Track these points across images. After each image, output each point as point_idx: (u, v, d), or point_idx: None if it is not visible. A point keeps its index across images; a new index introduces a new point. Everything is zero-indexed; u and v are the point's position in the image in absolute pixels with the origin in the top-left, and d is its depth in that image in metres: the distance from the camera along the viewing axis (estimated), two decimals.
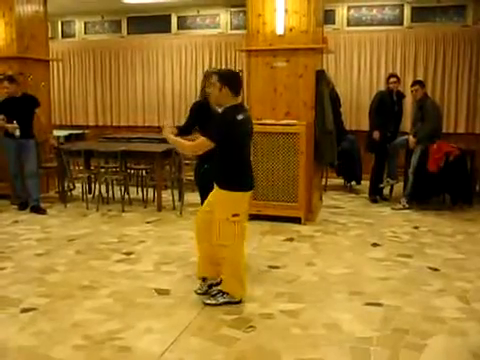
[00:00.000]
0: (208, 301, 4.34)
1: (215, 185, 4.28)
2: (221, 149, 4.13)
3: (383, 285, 4.77)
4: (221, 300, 4.32)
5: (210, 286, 4.48)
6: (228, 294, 4.33)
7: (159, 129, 10.64)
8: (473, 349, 3.57)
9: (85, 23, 11.89)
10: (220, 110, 4.35)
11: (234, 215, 4.16)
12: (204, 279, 4.54)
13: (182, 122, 11.20)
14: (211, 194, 4.36)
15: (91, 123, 11.88)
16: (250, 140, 4.45)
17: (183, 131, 4.99)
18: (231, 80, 4.23)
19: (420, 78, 9.10)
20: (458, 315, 4.13)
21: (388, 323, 3.98)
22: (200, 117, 4.99)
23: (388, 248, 5.88)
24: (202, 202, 4.75)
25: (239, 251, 4.33)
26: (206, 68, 10.69)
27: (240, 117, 4.13)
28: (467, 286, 4.74)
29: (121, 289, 4.67)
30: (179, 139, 4.50)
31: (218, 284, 4.43)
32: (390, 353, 3.52)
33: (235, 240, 4.24)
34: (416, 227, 6.75)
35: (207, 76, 4.98)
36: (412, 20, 9.83)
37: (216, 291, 4.39)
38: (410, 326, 3.92)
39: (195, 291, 4.50)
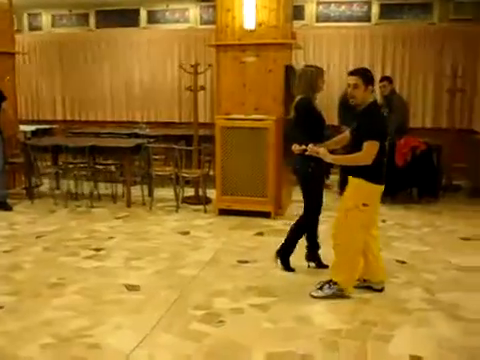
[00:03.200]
0: (315, 293, 4.38)
1: (352, 177, 4.34)
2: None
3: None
4: (329, 292, 4.36)
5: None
6: (336, 284, 4.35)
7: (128, 124, 10.61)
8: (439, 339, 3.65)
9: (52, 16, 11.71)
10: (365, 108, 4.28)
11: (364, 205, 4.22)
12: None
13: (152, 116, 11.16)
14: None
15: (59, 118, 11.73)
16: None
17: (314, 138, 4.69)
18: (372, 78, 4.32)
19: (388, 74, 9.21)
20: (424, 306, 4.23)
21: (357, 315, 4.04)
22: (309, 115, 4.89)
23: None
24: (312, 200, 4.88)
25: (360, 242, 4.36)
26: (175, 63, 10.67)
27: (384, 113, 4.28)
28: (432, 277, 4.85)
29: (90, 286, 4.64)
30: (343, 156, 4.49)
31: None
32: (358, 344, 3.58)
33: (360, 230, 4.30)
34: (383, 220, 6.83)
35: (321, 73, 5.02)
36: (380, 17, 9.94)
37: (323, 283, 4.41)
38: (378, 318, 3.99)
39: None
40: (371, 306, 4.23)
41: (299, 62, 9.81)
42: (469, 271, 5.05)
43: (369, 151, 4.10)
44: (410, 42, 9.76)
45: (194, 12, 10.81)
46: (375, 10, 9.93)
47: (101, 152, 8.04)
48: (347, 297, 4.36)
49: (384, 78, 8.12)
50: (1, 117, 7.47)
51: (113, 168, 8.62)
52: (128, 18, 11.14)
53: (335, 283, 4.36)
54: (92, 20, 11.46)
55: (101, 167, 8.61)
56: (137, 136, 8.95)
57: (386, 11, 9.88)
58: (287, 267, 5.02)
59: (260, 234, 6.24)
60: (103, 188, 8.39)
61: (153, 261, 5.28)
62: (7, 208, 7.36)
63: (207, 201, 7.47)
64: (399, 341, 3.64)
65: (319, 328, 3.82)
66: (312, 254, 5.11)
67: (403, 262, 5.27)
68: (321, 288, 4.40)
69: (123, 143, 7.83)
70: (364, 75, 4.27)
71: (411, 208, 7.53)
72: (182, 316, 4.02)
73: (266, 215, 6.84)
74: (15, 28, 9.47)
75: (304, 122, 4.86)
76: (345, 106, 8.13)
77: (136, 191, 7.91)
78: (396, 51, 9.85)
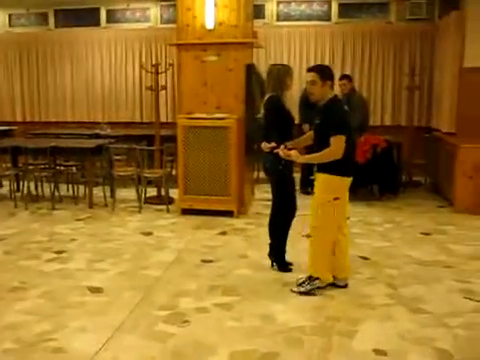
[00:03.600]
0: (296, 289, 4.44)
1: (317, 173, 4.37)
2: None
3: None
4: (309, 287, 4.41)
5: None
6: (318, 279, 4.42)
7: (90, 124, 10.48)
8: (401, 333, 3.72)
9: (9, 15, 11.47)
10: (325, 104, 4.32)
11: (335, 199, 4.28)
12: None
13: (113, 116, 11.04)
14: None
15: (18, 119, 11.51)
16: None
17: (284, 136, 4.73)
18: (330, 74, 4.34)
19: (348, 72, 9.33)
20: (387, 301, 4.30)
21: (321, 312, 4.09)
22: (278, 113, 4.85)
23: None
24: (284, 198, 4.93)
25: (332, 236, 4.44)
26: (137, 62, 10.60)
27: (346, 107, 4.38)
28: (394, 272, 4.94)
29: (53, 289, 4.58)
30: (311, 155, 4.44)
31: None
32: (323, 341, 3.62)
33: (332, 224, 4.39)
34: (347, 218, 6.92)
35: (289, 73, 4.99)
36: (339, 16, 10.06)
37: (303, 278, 4.46)
38: (342, 314, 4.04)
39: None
40: (335, 302, 4.28)
41: (260, 61, 9.89)
42: (429, 265, 5.16)
43: (338, 145, 4.17)
44: (369, 41, 9.92)
45: (154, 11, 10.75)
46: (334, 9, 10.06)
47: (62, 153, 7.94)
48: (313, 294, 4.42)
49: (344, 76, 8.21)
50: None
51: (74, 169, 8.53)
52: (88, 17, 11.00)
53: (316, 278, 4.44)
54: (51, 19, 11.28)
55: (62, 168, 8.51)
56: (98, 136, 8.86)
57: (345, 10, 10.02)
58: (284, 268, 5.00)
59: (223, 233, 6.26)
60: (64, 189, 8.30)
61: (116, 263, 5.24)
62: None
63: (170, 201, 7.44)
64: (363, 336, 3.69)
65: (283, 326, 3.85)
66: (274, 254, 5.09)
67: (366, 258, 5.35)
68: (302, 284, 4.47)
69: (84, 144, 7.74)
70: (321, 71, 4.33)
71: (373, 205, 7.64)
72: (146, 317, 4.01)
73: (229, 214, 6.86)
74: None
75: (273, 120, 4.85)
76: (305, 104, 8.24)
77: (98, 192, 7.84)
78: (355, 50, 10.00)
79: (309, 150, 4.56)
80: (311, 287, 4.43)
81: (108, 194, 7.80)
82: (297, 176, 8.69)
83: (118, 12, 10.94)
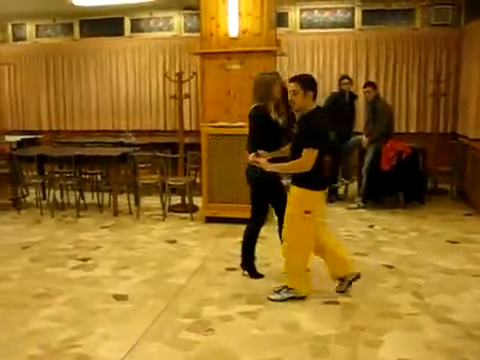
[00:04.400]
0: (272, 297, 4.46)
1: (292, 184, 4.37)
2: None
3: None
4: (286, 296, 4.44)
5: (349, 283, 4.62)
6: (292, 289, 4.44)
7: (114, 133, 10.57)
8: (428, 343, 3.67)
9: (36, 26, 11.66)
10: (303, 115, 4.31)
11: (306, 212, 4.27)
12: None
13: (137, 125, 11.14)
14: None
15: (44, 128, 11.66)
16: None
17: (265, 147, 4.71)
18: (312, 84, 4.31)
19: (372, 79, 9.27)
20: (413, 310, 4.24)
21: (346, 321, 4.05)
22: (263, 126, 4.85)
23: (344, 247, 5.95)
24: (256, 206, 4.95)
25: (305, 249, 4.44)
26: (160, 71, 10.67)
27: (325, 120, 4.34)
28: (420, 281, 4.86)
29: (78, 296, 4.61)
30: (280, 164, 4.48)
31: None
32: (348, 350, 3.58)
33: (303, 236, 4.36)
34: (371, 226, 6.87)
35: (277, 80, 4.99)
36: (363, 23, 10.01)
37: (280, 287, 4.50)
38: (367, 323, 3.99)
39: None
40: (360, 311, 4.24)
41: (284, 69, 9.89)
42: (456, 274, 5.08)
43: (308, 158, 4.17)
44: (394, 47, 9.84)
45: (178, 20, 10.82)
46: (358, 16, 10.00)
47: (87, 161, 8.01)
48: (302, 298, 4.45)
49: (368, 84, 8.16)
50: None
51: (99, 177, 8.59)
52: (112, 27, 11.12)
53: (291, 288, 4.47)
54: (76, 29, 11.42)
55: (87, 176, 8.60)
56: (123, 145, 8.92)
57: (369, 17, 9.95)
58: (255, 275, 5.03)
59: None
60: (89, 197, 8.36)
61: (140, 270, 5.25)
62: None
63: (194, 209, 7.45)
64: (389, 346, 3.64)
65: (308, 334, 3.82)
66: (245, 262, 5.09)
67: (391, 267, 5.29)
68: (278, 292, 4.50)
69: (109, 152, 7.80)
70: (303, 81, 4.30)
71: (398, 213, 7.56)
72: (171, 325, 4.01)
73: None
74: None
75: (258, 130, 4.85)
76: (330, 112, 8.20)
77: (122, 200, 7.89)
78: (380, 56, 9.93)
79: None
80: (287, 296, 4.45)
81: (132, 202, 7.84)
82: None
83: (142, 21, 11.04)
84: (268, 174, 4.56)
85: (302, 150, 4.16)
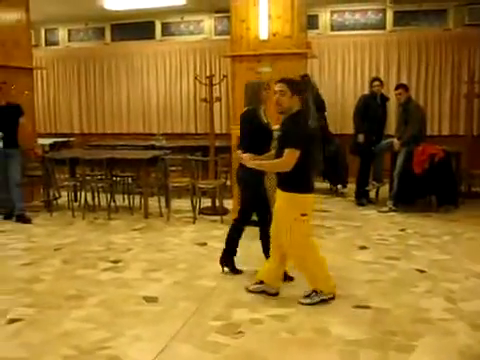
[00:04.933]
0: (303, 301, 4.45)
1: (279, 189, 4.41)
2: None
3: (371, 288, 4.79)
4: (317, 299, 4.43)
5: None
6: (322, 291, 4.44)
7: (145, 136, 10.67)
8: (461, 349, 3.59)
9: (69, 30, 11.87)
10: (288, 117, 4.34)
11: (303, 214, 4.28)
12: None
13: (168, 128, 11.23)
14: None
15: (76, 131, 11.85)
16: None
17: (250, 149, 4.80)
18: (299, 87, 4.37)
19: (404, 81, 9.17)
20: (446, 316, 4.16)
21: (377, 325, 3.99)
22: (253, 128, 4.95)
23: (375, 251, 5.90)
24: (247, 206, 5.12)
25: (314, 249, 4.45)
26: (191, 74, 10.74)
27: (309, 123, 4.35)
28: (453, 286, 4.77)
29: (109, 297, 4.65)
30: (262, 162, 4.55)
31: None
32: (379, 355, 3.53)
33: (306, 239, 4.39)
34: (402, 229, 6.79)
35: (263, 85, 5.06)
36: (394, 24, 9.92)
37: (310, 291, 4.48)
38: (399, 328, 3.93)
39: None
40: (391, 316, 4.18)
41: (314, 72, 9.86)
42: None
43: (288, 159, 4.18)
44: (426, 48, 9.74)
45: (208, 23, 10.88)
46: (389, 17, 9.92)
47: (118, 164, 8.09)
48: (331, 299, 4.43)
49: (400, 86, 8.06)
50: (19, 132, 7.56)
51: (130, 180, 8.66)
52: (143, 31, 11.24)
53: (320, 291, 4.44)
54: (108, 34, 11.59)
55: (118, 179, 8.68)
56: (154, 148, 8.99)
57: (400, 18, 9.86)
58: (236, 271, 5.19)
59: None
60: (120, 200, 8.44)
61: (171, 272, 5.27)
62: (26, 221, 7.42)
63: (224, 212, 7.46)
64: (421, 351, 3.58)
65: (338, 339, 3.78)
66: (226, 258, 5.20)
67: (423, 271, 5.21)
68: (309, 296, 4.47)
69: (140, 155, 7.87)
70: (290, 83, 4.33)
71: (430, 216, 7.45)
72: (201, 327, 4.01)
73: None
74: (33, 43, 9.59)
75: (249, 133, 4.96)
76: (362, 114, 8.15)
77: (153, 202, 7.94)
78: (411, 58, 9.82)
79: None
80: (318, 299, 4.42)
81: (163, 204, 7.89)
82: (352, 187, 8.64)
83: (172, 25, 11.13)
84: (257, 176, 4.75)
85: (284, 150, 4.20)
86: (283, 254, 4.54)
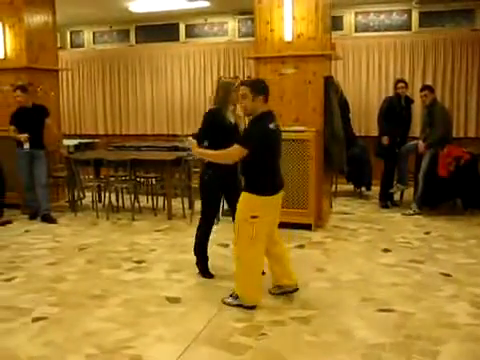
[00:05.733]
0: (226, 299, 4.47)
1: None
2: (251, 155, 4.22)
3: (395, 291, 4.74)
4: (234, 302, 4.41)
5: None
6: (243, 299, 4.39)
7: (169, 137, 10.72)
8: None
9: (94, 33, 11.99)
10: (251, 118, 4.39)
11: (253, 216, 4.24)
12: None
13: (192, 129, 11.28)
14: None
15: (100, 132, 11.95)
16: (279, 148, 4.48)
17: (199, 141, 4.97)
18: (262, 89, 4.33)
19: (429, 83, 9.07)
20: (471, 321, 4.10)
21: (400, 329, 3.95)
22: (214, 126, 5.07)
23: (399, 254, 5.85)
24: (204, 208, 5.16)
25: (253, 255, 4.36)
26: (215, 76, 10.76)
27: (271, 125, 4.29)
28: (479, 291, 4.70)
29: (132, 298, 4.67)
30: (206, 150, 4.68)
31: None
32: (403, 359, 3.49)
33: (250, 242, 4.29)
34: (427, 232, 6.72)
35: (232, 88, 5.12)
36: (420, 25, 9.82)
37: (233, 292, 4.47)
38: (423, 332, 3.89)
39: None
40: (415, 320, 4.13)
41: (338, 73, 9.81)
42: None
43: (232, 152, 4.28)
44: (452, 49, 9.61)
45: (232, 25, 10.89)
46: (415, 18, 9.82)
47: (142, 165, 8.14)
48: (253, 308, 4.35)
49: (425, 87, 7.98)
50: (45, 133, 7.65)
51: (154, 181, 8.70)
52: (167, 33, 11.30)
53: (237, 296, 4.42)
54: (132, 35, 11.67)
55: (142, 180, 8.72)
56: (177, 149, 9.02)
57: (426, 19, 9.76)
58: (205, 273, 5.18)
59: (301, 246, 6.20)
60: (144, 201, 8.49)
61: (194, 274, 5.28)
62: (51, 221, 7.51)
63: None
64: (446, 357, 3.53)
65: (362, 342, 3.75)
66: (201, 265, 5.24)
67: (448, 275, 5.15)
68: (232, 295, 4.47)
69: (163, 156, 7.90)
70: (252, 85, 4.34)
71: (455, 219, 7.36)
72: (223, 328, 4.01)
73: (307, 227, 6.79)
74: (58, 45, 9.71)
75: (211, 132, 5.06)
76: (385, 116, 8.10)
77: (177, 204, 7.97)
78: (437, 59, 9.72)
79: None
80: (236, 303, 4.39)
81: (186, 206, 7.92)
82: (376, 189, 8.57)
83: (196, 27, 11.17)
84: (219, 175, 4.89)
85: (251, 153, 4.20)
86: (274, 253, 4.57)
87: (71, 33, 12.13)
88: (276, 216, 4.57)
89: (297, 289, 4.62)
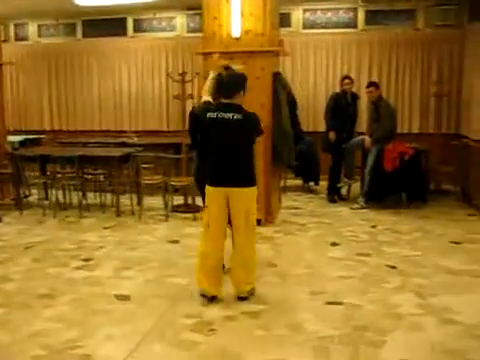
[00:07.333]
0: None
1: None
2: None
3: (343, 284, 4.83)
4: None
5: None
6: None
7: (116, 133, 10.59)
8: (431, 343, 3.65)
9: (39, 26, 11.68)
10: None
11: (205, 206, 4.43)
12: None
13: (140, 125, 11.18)
14: None
15: (47, 128, 11.68)
16: (223, 138, 4.43)
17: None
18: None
19: (375, 79, 9.25)
20: (416, 310, 4.22)
21: (348, 321, 4.03)
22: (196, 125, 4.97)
23: (347, 247, 5.96)
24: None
25: (205, 243, 4.49)
26: (163, 71, 10.68)
27: (210, 115, 4.39)
28: (423, 282, 4.85)
29: (80, 296, 4.60)
30: None
31: None
32: (351, 350, 3.57)
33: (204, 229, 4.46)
34: (374, 226, 6.86)
35: None
36: (366, 23, 10.00)
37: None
38: (370, 323, 3.98)
39: None
40: (362, 312, 4.22)
41: (286, 69, 9.88)
42: (460, 275, 5.06)
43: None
44: (396, 47, 9.83)
45: (181, 20, 10.83)
46: (361, 16, 10.00)
47: (90, 162, 8.00)
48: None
49: (371, 84, 8.15)
50: None
51: (102, 177, 8.59)
52: (115, 27, 11.13)
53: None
54: (79, 29, 11.44)
55: (90, 177, 8.59)
56: (125, 145, 8.91)
57: (372, 17, 9.95)
58: None
59: None
60: (92, 198, 8.36)
61: (143, 270, 5.25)
62: None
63: (196, 209, 7.44)
64: (391, 346, 3.63)
65: (311, 335, 3.81)
66: None
67: (393, 267, 5.28)
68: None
69: (112, 152, 7.80)
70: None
71: (400, 213, 7.55)
72: (173, 325, 4.00)
73: (256, 222, 6.81)
74: (2, 38, 9.42)
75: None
76: (332, 111, 8.23)
77: (125, 200, 7.89)
78: (382, 57, 9.92)
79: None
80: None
81: (135, 202, 7.85)
82: (324, 184, 8.70)
83: (145, 22, 11.04)
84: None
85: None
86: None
87: (15, 26, 11.79)
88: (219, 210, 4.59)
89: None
